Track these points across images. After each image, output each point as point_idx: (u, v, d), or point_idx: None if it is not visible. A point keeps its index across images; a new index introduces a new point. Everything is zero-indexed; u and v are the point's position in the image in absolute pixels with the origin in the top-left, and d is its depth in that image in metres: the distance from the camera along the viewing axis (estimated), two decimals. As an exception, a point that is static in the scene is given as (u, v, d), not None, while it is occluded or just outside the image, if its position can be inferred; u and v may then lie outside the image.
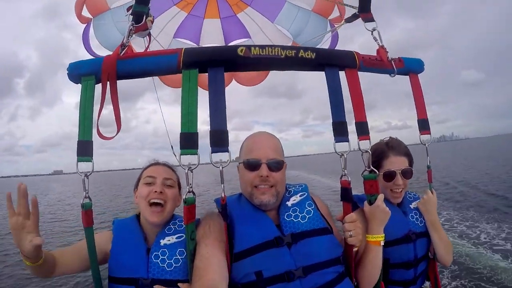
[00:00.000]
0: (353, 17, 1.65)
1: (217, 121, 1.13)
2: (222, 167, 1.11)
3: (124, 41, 1.21)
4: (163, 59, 1.18)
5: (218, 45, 2.94)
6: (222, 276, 1.06)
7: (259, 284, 1.09)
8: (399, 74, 1.43)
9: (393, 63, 1.38)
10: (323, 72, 1.28)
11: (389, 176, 1.46)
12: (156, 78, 2.73)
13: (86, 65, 1.14)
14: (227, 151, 1.11)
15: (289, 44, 2.80)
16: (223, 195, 1.14)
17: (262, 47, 1.22)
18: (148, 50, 1.60)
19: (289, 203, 1.28)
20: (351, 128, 1.29)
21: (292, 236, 1.17)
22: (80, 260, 1.20)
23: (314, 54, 1.26)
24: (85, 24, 2.58)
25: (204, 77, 1.20)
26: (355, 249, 1.21)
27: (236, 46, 1.22)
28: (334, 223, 1.32)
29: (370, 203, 1.27)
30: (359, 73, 1.34)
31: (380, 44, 1.43)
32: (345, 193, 1.21)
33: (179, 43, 2.94)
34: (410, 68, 1.43)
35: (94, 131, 1.13)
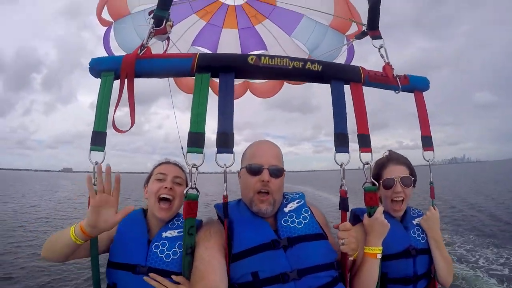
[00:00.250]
0: (362, 34, 1.71)
1: (224, 124, 1.20)
2: (226, 167, 1.16)
3: (144, 42, 1.29)
4: (178, 62, 1.27)
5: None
6: (223, 277, 1.09)
7: (255, 285, 1.11)
8: (404, 91, 1.47)
9: (398, 79, 1.43)
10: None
11: (388, 184, 1.46)
12: (173, 83, 2.82)
13: (107, 61, 1.23)
14: (232, 152, 1.18)
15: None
16: (225, 193, 1.19)
17: (271, 57, 1.29)
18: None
19: (286, 209, 1.32)
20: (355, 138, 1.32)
21: (288, 239, 1.20)
22: (105, 245, 1.27)
23: (321, 66, 1.32)
24: (106, 27, 2.72)
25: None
26: (350, 258, 1.23)
27: (247, 55, 1.29)
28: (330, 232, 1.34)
29: (370, 215, 1.29)
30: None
31: (386, 61, 1.48)
32: (342, 202, 1.25)
33: (196, 50, 3.02)
34: (415, 85, 1.47)
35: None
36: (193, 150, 1.15)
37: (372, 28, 1.53)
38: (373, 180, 1.28)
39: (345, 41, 2.76)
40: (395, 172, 1.47)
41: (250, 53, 2.14)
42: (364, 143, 1.31)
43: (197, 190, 1.16)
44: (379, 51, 1.52)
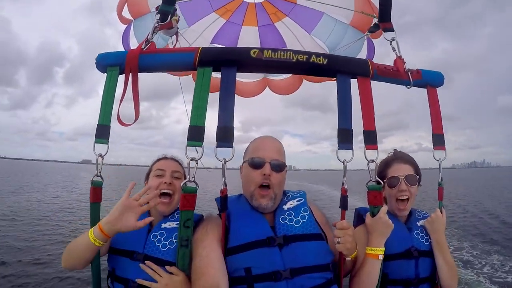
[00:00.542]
0: (375, 27, 1.63)
1: (225, 118, 1.19)
2: (225, 161, 1.16)
3: (148, 37, 1.31)
4: (181, 56, 1.27)
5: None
6: (222, 272, 1.10)
7: (247, 280, 1.11)
8: (416, 86, 1.39)
9: (410, 74, 1.35)
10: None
11: (393, 183, 1.43)
12: (191, 80, 2.86)
13: (112, 56, 1.26)
14: (231, 146, 1.17)
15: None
16: (222, 187, 1.19)
17: (274, 50, 1.26)
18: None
19: (285, 207, 1.30)
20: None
21: (284, 238, 1.19)
22: (106, 247, 1.30)
23: (326, 60, 1.27)
24: (126, 25, 2.80)
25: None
26: (348, 258, 1.19)
27: (250, 48, 1.27)
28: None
29: (373, 215, 1.24)
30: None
31: (398, 55, 1.41)
32: (342, 200, 1.21)
33: (215, 48, 3.04)
34: (428, 80, 1.39)
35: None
36: (192, 144, 1.15)
37: (384, 20, 1.46)
38: (378, 179, 1.22)
39: (366, 40, 2.68)
40: (400, 170, 1.44)
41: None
42: (370, 139, 1.25)
43: (196, 184, 1.16)
44: (390, 44, 1.45)
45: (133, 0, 2.54)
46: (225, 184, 1.19)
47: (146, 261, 1.21)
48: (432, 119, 1.38)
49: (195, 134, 1.16)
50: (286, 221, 1.25)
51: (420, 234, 1.42)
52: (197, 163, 1.16)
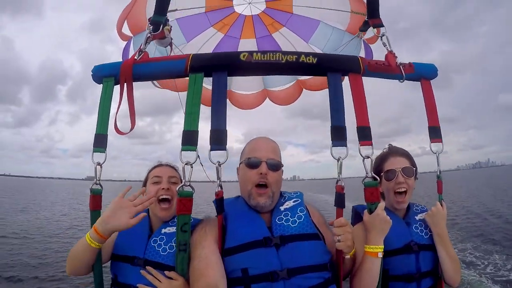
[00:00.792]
0: (365, 25, 1.64)
1: (218, 121, 1.21)
2: (219, 164, 1.17)
3: (141, 47, 1.35)
4: (173, 63, 1.30)
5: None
6: (221, 273, 1.10)
7: (244, 281, 1.11)
8: (409, 80, 1.38)
9: (402, 68, 1.34)
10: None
11: (390, 176, 1.42)
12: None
13: (107, 67, 1.31)
14: (225, 149, 1.18)
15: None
16: (217, 190, 1.20)
17: (263, 52, 1.28)
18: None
19: (282, 208, 1.30)
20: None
21: (281, 238, 1.18)
22: (107, 254, 1.33)
23: (316, 59, 1.28)
24: (126, 42, 2.86)
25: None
26: (347, 256, 1.18)
27: (239, 52, 1.30)
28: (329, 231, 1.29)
29: (370, 212, 1.22)
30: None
31: (389, 49, 1.41)
32: (338, 198, 1.19)
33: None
34: (422, 73, 1.37)
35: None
36: (187, 148, 1.17)
37: (373, 16, 1.47)
38: (374, 175, 1.21)
39: (363, 46, 2.68)
40: (396, 163, 1.44)
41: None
42: (364, 136, 1.24)
43: (192, 188, 1.17)
44: (381, 39, 1.45)
45: (133, 16, 2.61)
46: (221, 187, 1.20)
47: (146, 267, 1.22)
48: (427, 112, 1.36)
49: (189, 139, 1.17)
50: (283, 221, 1.24)
51: (419, 228, 1.40)
52: (192, 167, 1.17)
